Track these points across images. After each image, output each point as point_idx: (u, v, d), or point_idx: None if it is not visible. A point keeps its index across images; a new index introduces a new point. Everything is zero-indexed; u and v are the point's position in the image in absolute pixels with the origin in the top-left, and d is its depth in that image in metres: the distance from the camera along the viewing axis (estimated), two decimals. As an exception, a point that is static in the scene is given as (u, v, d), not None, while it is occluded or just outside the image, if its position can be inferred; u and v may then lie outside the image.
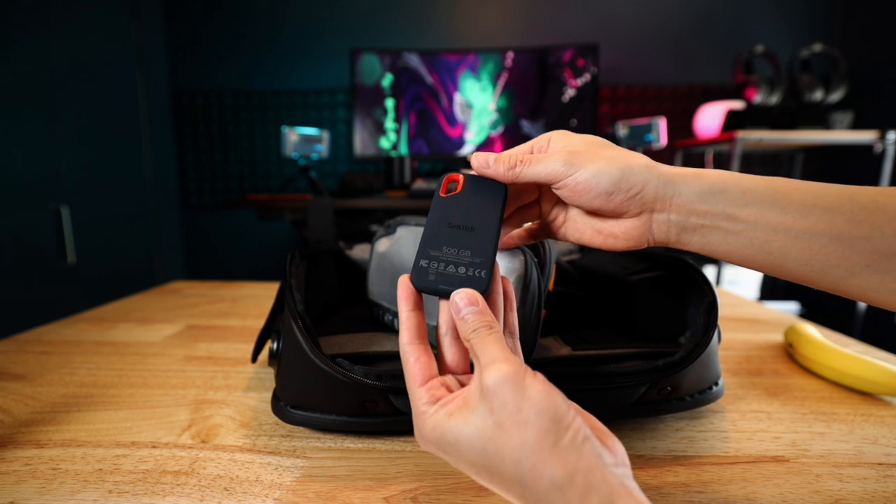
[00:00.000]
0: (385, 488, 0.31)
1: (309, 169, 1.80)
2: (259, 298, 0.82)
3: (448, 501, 0.30)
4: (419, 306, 0.26)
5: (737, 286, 1.98)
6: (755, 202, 0.25)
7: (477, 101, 1.98)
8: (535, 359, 0.38)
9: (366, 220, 1.70)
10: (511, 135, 1.99)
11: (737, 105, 1.80)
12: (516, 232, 0.34)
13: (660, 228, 0.27)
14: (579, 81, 1.92)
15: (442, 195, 0.29)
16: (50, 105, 1.58)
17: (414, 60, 1.94)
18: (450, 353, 0.26)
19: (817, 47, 1.68)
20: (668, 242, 0.28)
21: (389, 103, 1.96)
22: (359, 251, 0.60)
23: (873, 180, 1.76)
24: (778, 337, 0.63)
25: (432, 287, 0.26)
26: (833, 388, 0.47)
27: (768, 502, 0.30)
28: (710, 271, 1.91)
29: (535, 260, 0.36)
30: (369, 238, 0.64)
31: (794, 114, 1.71)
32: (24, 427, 0.39)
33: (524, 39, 2.12)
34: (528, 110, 1.98)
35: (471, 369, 0.26)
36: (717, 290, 0.41)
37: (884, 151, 1.66)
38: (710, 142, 1.75)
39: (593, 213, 0.29)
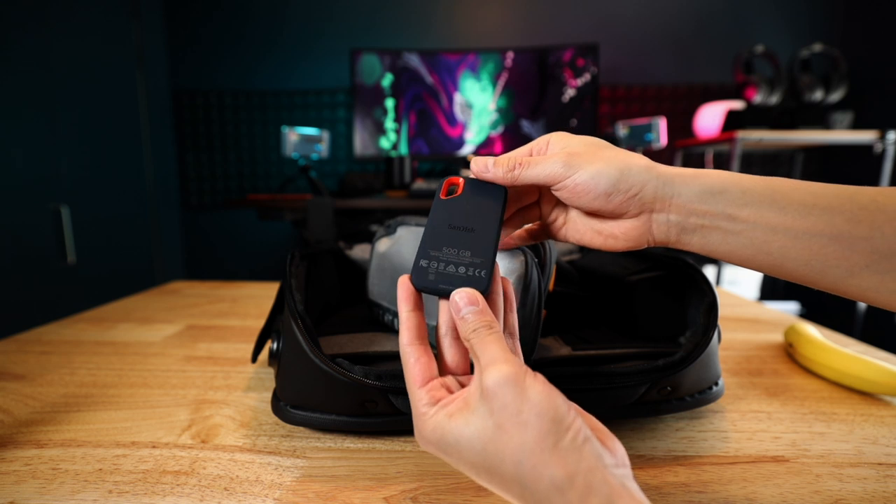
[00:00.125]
0: (385, 488, 0.31)
1: (309, 169, 1.80)
2: (259, 298, 0.82)
3: (448, 501, 0.30)
4: (419, 306, 0.26)
5: (737, 286, 1.98)
6: (755, 202, 0.25)
7: (477, 101, 1.98)
8: (535, 359, 0.38)
9: (366, 220, 1.70)
10: (511, 135, 1.99)
11: (737, 105, 1.80)
12: (516, 232, 0.34)
13: (659, 229, 0.27)
14: (579, 81, 1.92)
15: (442, 197, 0.30)
16: (50, 105, 1.58)
17: (414, 60, 1.94)
18: (450, 354, 0.26)
19: (817, 47, 1.68)
20: (668, 243, 0.28)
21: (389, 103, 1.96)
22: (359, 251, 0.60)
23: (873, 180, 1.76)
24: (778, 337, 0.63)
25: (432, 287, 0.26)
26: (833, 388, 0.47)
27: (768, 502, 0.30)
28: (710, 271, 1.91)
29: (536, 260, 0.36)
30: (369, 238, 0.64)
31: (794, 114, 1.71)
32: (24, 427, 0.39)
33: (524, 39, 2.12)
34: (528, 110, 1.98)
35: (471, 370, 0.26)
36: (717, 290, 0.41)
37: (884, 151, 1.66)
38: (710, 142, 1.75)
39: (593, 213, 0.29)
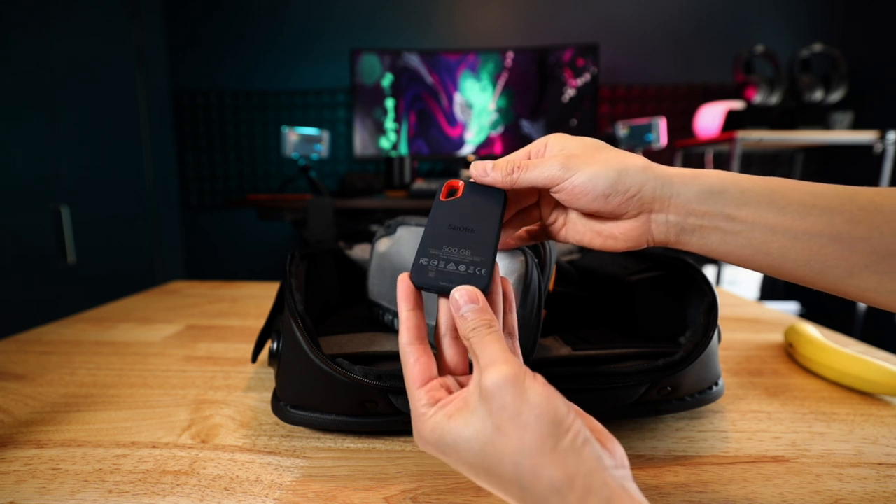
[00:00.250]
0: (385, 488, 0.31)
1: (309, 169, 1.80)
2: (259, 298, 0.82)
3: (448, 501, 0.30)
4: (419, 306, 0.26)
5: (737, 286, 1.98)
6: (753, 202, 0.25)
7: (477, 101, 1.98)
8: (535, 359, 0.38)
9: (366, 220, 1.70)
10: (511, 135, 1.99)
11: (737, 105, 1.80)
12: (516, 233, 0.34)
13: (658, 229, 0.27)
14: (579, 81, 1.92)
15: (442, 199, 0.30)
16: (50, 105, 1.58)
17: (414, 60, 1.94)
18: (449, 353, 0.26)
19: (817, 47, 1.68)
20: (668, 243, 0.28)
21: (389, 103, 1.96)
22: (359, 251, 0.60)
23: (873, 180, 1.76)
24: (778, 337, 0.63)
25: (432, 284, 0.26)
26: (833, 388, 0.47)
27: (768, 502, 0.30)
28: (710, 271, 1.91)
29: (536, 260, 0.36)
30: (369, 238, 0.64)
31: (794, 114, 1.71)
32: (24, 427, 0.39)
33: (524, 39, 2.12)
34: (528, 110, 1.98)
35: (470, 370, 0.26)
36: (717, 290, 0.41)
37: (884, 151, 1.66)
38: (710, 142, 1.75)
39: (592, 215, 0.29)
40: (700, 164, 2.16)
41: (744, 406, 0.43)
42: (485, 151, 2.00)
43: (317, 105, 2.21)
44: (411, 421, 0.24)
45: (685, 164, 2.13)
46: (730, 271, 1.96)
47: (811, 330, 0.55)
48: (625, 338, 0.44)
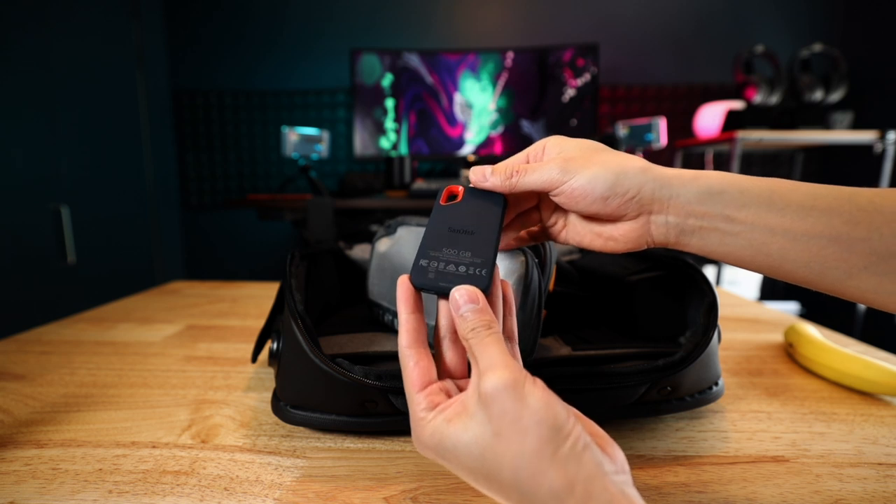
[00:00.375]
0: (385, 488, 0.31)
1: (309, 169, 1.79)
2: (259, 298, 0.82)
3: (448, 501, 0.30)
4: (419, 308, 0.26)
5: (737, 286, 1.98)
6: (753, 204, 0.25)
7: (477, 101, 1.98)
8: (535, 359, 0.38)
9: (366, 220, 1.69)
10: (511, 135, 1.99)
11: (737, 105, 1.80)
12: (517, 234, 0.34)
13: (658, 230, 0.27)
14: (579, 81, 1.92)
15: (442, 204, 0.30)
16: (50, 105, 1.58)
17: (414, 60, 1.94)
18: (449, 356, 0.26)
19: (817, 47, 1.68)
20: (667, 244, 0.28)
21: (389, 103, 1.96)
22: (359, 251, 0.60)
23: (873, 180, 1.76)
24: (778, 337, 0.63)
25: (432, 285, 0.25)
26: (833, 388, 0.47)
27: (768, 502, 0.30)
28: (710, 271, 1.91)
29: (536, 260, 0.36)
30: (369, 238, 0.64)
31: (794, 114, 1.71)
32: (24, 427, 0.39)
33: (524, 39, 2.12)
34: (528, 110, 1.98)
35: (469, 372, 0.26)
36: (717, 290, 0.41)
37: (884, 151, 1.66)
38: (710, 142, 1.75)
39: (592, 217, 0.29)
40: (700, 164, 2.16)
41: (744, 406, 0.43)
42: (485, 151, 2.00)
43: (317, 105, 2.21)
44: (410, 425, 0.24)
45: (685, 165, 2.13)
46: (730, 271, 1.96)
47: (811, 330, 0.55)
48: (625, 338, 0.44)
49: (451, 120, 1.99)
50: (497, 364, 0.21)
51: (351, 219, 1.71)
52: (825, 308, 2.02)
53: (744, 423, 0.40)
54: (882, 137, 1.61)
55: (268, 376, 0.49)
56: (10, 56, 1.43)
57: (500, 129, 1.99)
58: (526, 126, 1.99)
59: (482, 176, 0.30)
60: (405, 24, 2.15)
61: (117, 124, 1.89)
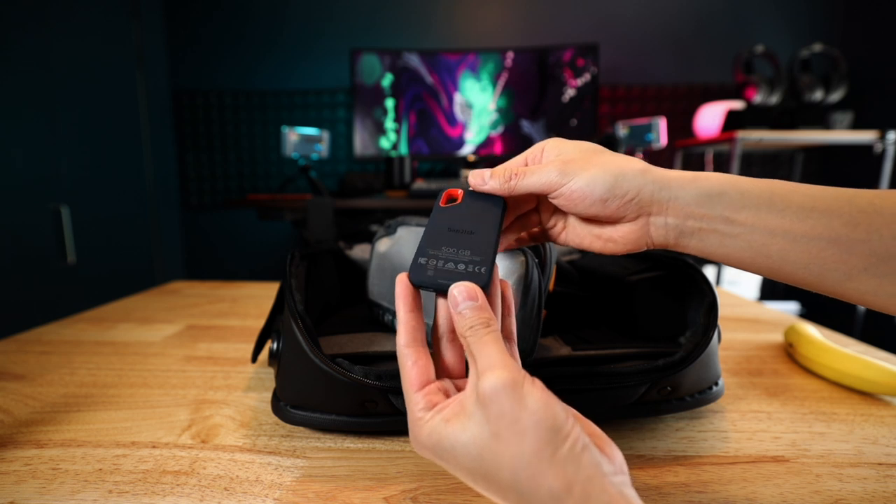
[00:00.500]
0: (385, 488, 0.31)
1: (309, 169, 1.80)
2: (259, 298, 0.82)
3: (448, 501, 0.30)
4: (418, 307, 0.26)
5: (737, 286, 1.98)
6: (753, 205, 0.25)
7: (477, 101, 1.98)
8: (535, 359, 0.38)
9: (366, 220, 1.69)
10: (511, 135, 1.99)
11: (737, 105, 1.79)
12: (517, 235, 0.34)
13: (657, 232, 0.27)
14: (579, 81, 1.92)
15: (442, 206, 0.30)
16: (50, 105, 1.58)
17: (414, 60, 1.94)
18: (447, 355, 0.26)
19: (817, 47, 1.68)
20: (667, 245, 0.28)
21: (389, 103, 1.96)
22: (359, 251, 0.60)
23: (873, 180, 1.76)
24: (778, 337, 0.63)
25: (430, 282, 0.25)
26: (833, 388, 0.47)
27: (768, 502, 0.30)
28: (710, 271, 1.91)
29: (536, 260, 0.36)
30: (369, 238, 0.64)
31: (794, 114, 1.71)
32: (24, 427, 0.39)
33: (524, 39, 2.12)
34: (528, 110, 1.98)
35: (467, 371, 0.26)
36: (717, 291, 0.41)
37: (884, 151, 1.66)
38: (710, 142, 1.75)
39: (591, 219, 0.29)
40: (700, 164, 2.16)
41: (744, 406, 0.43)
42: (485, 151, 2.00)
43: (317, 105, 2.21)
44: (408, 425, 0.24)
45: (685, 164, 2.13)
46: (730, 271, 1.96)
47: (811, 330, 0.55)
48: (625, 338, 0.44)
49: (451, 120, 1.99)
50: (496, 364, 0.21)
51: (351, 219, 1.71)
52: (825, 308, 2.02)
53: (744, 423, 0.40)
54: (882, 137, 1.61)
55: (268, 376, 0.49)
56: (10, 56, 1.43)
57: (500, 129, 1.99)
58: (526, 126, 1.99)
59: (481, 179, 0.30)
60: (405, 24, 2.15)
61: (117, 124, 1.89)
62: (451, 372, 0.26)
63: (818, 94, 1.65)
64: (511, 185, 0.29)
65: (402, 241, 0.43)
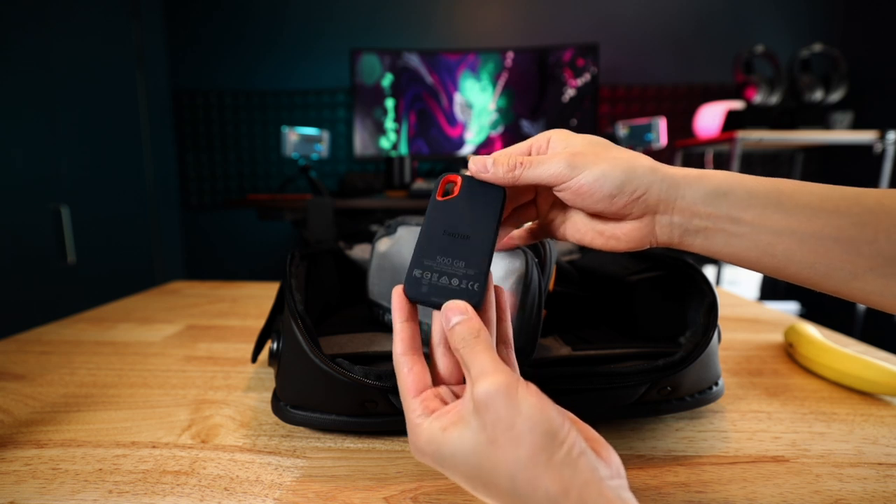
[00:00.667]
0: (385, 488, 0.31)
1: (309, 169, 1.80)
2: (259, 298, 0.82)
3: (448, 501, 0.30)
4: (413, 317, 0.26)
5: (737, 286, 1.98)
6: (759, 204, 0.25)
7: (477, 101, 1.98)
8: (535, 359, 0.38)
9: (366, 220, 1.70)
10: (511, 135, 1.99)
11: (737, 105, 1.80)
12: (516, 232, 0.34)
13: (662, 230, 0.27)
14: (579, 81, 1.92)
15: (439, 199, 0.29)
16: (50, 105, 1.58)
17: (414, 60, 1.94)
18: (443, 364, 0.26)
19: (817, 47, 1.68)
20: (671, 244, 0.27)
21: (389, 103, 1.96)
22: (359, 251, 0.60)
23: (873, 180, 1.76)
24: (778, 337, 0.63)
25: (425, 299, 0.26)
26: (833, 388, 0.47)
27: (768, 502, 0.30)
28: (710, 271, 1.91)
29: (536, 260, 0.36)
30: (369, 238, 0.64)
31: (794, 114, 1.71)
32: (24, 427, 0.39)
33: (524, 39, 2.12)
34: (528, 110, 1.98)
35: (464, 380, 0.26)
36: (717, 290, 0.41)
37: (884, 151, 1.66)
38: (710, 142, 1.75)
39: (595, 215, 0.29)
40: (700, 164, 2.16)
41: (744, 406, 0.43)
42: (484, 152, 2.00)
43: (317, 105, 2.21)
44: (407, 430, 0.24)
45: (685, 164, 2.13)
46: (730, 271, 1.96)
47: (811, 330, 0.55)
48: (625, 338, 0.44)
49: (451, 120, 1.99)
50: (488, 370, 0.21)
51: (351, 219, 1.71)
52: (825, 308, 2.02)
53: (744, 423, 0.40)
54: (882, 137, 1.61)
55: (268, 376, 0.49)
56: (10, 56, 1.43)
57: (500, 129, 1.99)
58: (526, 126, 1.99)
59: (483, 166, 0.28)
60: (405, 24, 2.15)
61: (117, 124, 1.89)
62: (447, 379, 0.26)
63: (818, 94, 1.65)
64: (515, 174, 0.28)
65: (402, 241, 0.43)
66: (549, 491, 0.19)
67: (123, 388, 0.46)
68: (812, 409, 0.42)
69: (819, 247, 0.24)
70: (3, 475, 0.32)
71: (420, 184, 1.67)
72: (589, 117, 1.94)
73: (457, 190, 0.29)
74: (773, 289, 2.16)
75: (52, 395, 0.44)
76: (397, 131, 1.98)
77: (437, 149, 2.00)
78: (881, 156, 1.69)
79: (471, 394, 0.21)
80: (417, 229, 0.42)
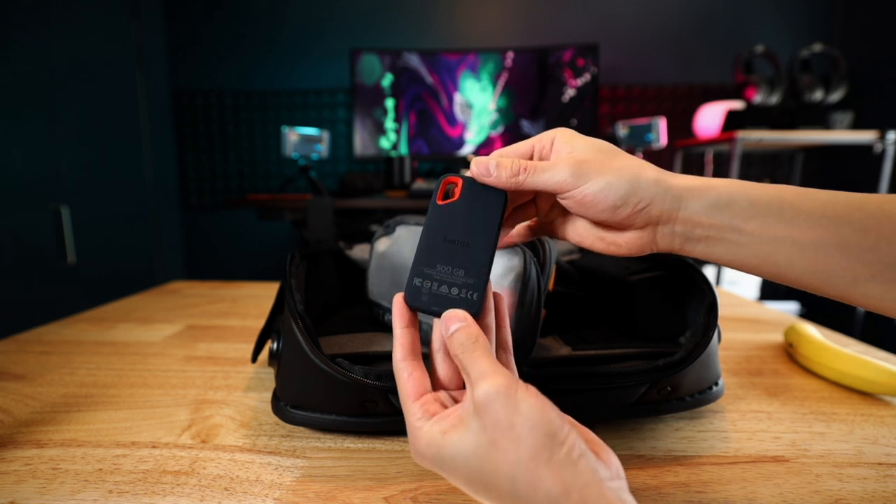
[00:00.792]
0: (385, 488, 0.31)
1: (309, 169, 1.79)
2: (259, 298, 0.82)
3: (448, 501, 0.30)
4: (413, 323, 0.26)
5: (737, 286, 1.98)
6: (762, 214, 0.25)
7: (477, 101, 1.98)
8: (534, 359, 0.38)
9: (366, 220, 1.70)
10: (511, 135, 1.99)
11: (737, 105, 1.80)
12: (516, 230, 0.34)
13: (664, 238, 0.27)
14: (579, 81, 1.92)
15: (439, 202, 0.28)
16: (50, 105, 1.58)
17: (414, 60, 1.94)
18: (442, 369, 0.26)
19: (817, 47, 1.68)
20: (672, 250, 0.27)
21: (389, 103, 1.96)
22: (359, 251, 0.60)
23: (873, 180, 1.76)
24: (778, 337, 0.63)
25: (425, 307, 0.26)
26: (833, 388, 0.47)
27: (768, 502, 0.30)
28: (710, 271, 1.91)
29: (535, 259, 0.36)
30: (369, 238, 0.64)
31: (794, 114, 1.71)
32: (24, 427, 0.39)
33: (524, 39, 2.12)
34: (528, 110, 1.98)
35: (464, 385, 0.26)
36: (717, 291, 0.41)
37: (884, 151, 1.66)
38: (710, 142, 1.75)
39: (597, 222, 0.29)
40: (700, 164, 2.16)
41: (744, 406, 0.43)
42: (484, 152, 2.00)
43: (317, 105, 2.21)
44: (407, 433, 0.24)
45: (685, 164, 2.14)
46: (730, 271, 1.96)
47: (811, 330, 0.55)
48: (625, 338, 0.44)
49: (451, 120, 1.99)
50: (487, 373, 0.21)
51: (351, 219, 1.71)
52: (825, 308, 2.02)
53: (744, 423, 0.40)
54: (882, 137, 1.61)
55: (268, 376, 0.49)
56: (10, 56, 1.43)
57: (500, 129, 1.99)
58: (526, 126, 1.99)
59: (485, 170, 0.28)
60: (405, 24, 2.15)
61: (117, 124, 1.89)
62: (447, 384, 0.26)
63: (818, 94, 1.65)
64: (519, 180, 0.27)
65: (402, 241, 0.43)
66: (549, 492, 0.19)
67: (123, 388, 0.46)
68: (812, 409, 0.42)
69: (820, 255, 0.24)
70: (3, 475, 0.32)
71: (420, 184, 1.67)
72: (589, 117, 1.94)
73: (457, 192, 0.29)
74: (773, 289, 2.16)
75: (52, 395, 0.44)
76: (397, 131, 1.98)
77: (437, 149, 2.00)
78: (881, 156, 1.69)
79: (471, 396, 0.21)
80: (416, 229, 0.42)
